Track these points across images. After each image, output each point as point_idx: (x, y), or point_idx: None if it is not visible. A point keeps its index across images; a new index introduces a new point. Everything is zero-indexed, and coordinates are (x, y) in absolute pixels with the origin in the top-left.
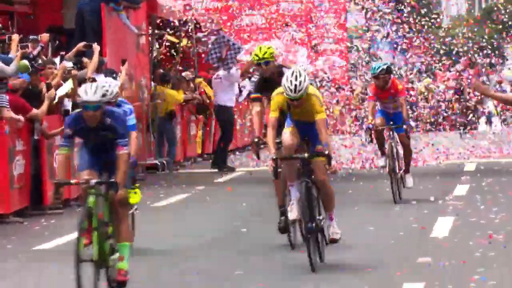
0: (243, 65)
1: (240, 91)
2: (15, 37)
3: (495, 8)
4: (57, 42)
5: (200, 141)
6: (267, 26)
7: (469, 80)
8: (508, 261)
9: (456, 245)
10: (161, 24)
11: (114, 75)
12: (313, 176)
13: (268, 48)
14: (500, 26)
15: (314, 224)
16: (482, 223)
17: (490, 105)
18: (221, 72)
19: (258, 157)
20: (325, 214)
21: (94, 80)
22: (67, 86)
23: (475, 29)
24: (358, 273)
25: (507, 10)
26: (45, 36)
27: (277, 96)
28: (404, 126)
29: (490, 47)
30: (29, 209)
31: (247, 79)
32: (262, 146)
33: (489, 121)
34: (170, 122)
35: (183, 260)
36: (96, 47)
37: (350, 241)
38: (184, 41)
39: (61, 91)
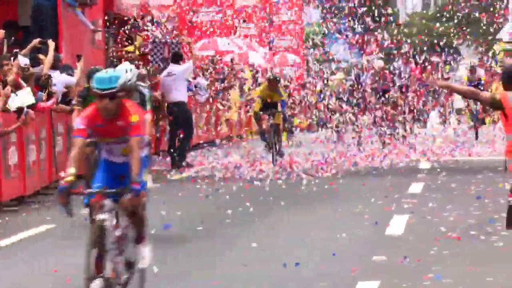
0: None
1: (195, 88)
2: None
3: (450, 6)
4: (13, 38)
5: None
6: (222, 22)
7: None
8: (462, 259)
9: (411, 243)
10: (116, 21)
11: (70, 71)
12: None
13: None
14: (455, 21)
15: None
16: (436, 221)
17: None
18: (174, 68)
19: None
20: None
21: (49, 76)
22: (27, 99)
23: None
24: (313, 271)
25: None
26: (0, 33)
27: None
28: (128, 196)
29: (442, 44)
30: None
31: (200, 76)
32: None
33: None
34: None
35: None
36: (51, 43)
37: (305, 239)
38: (139, 40)
39: (20, 101)
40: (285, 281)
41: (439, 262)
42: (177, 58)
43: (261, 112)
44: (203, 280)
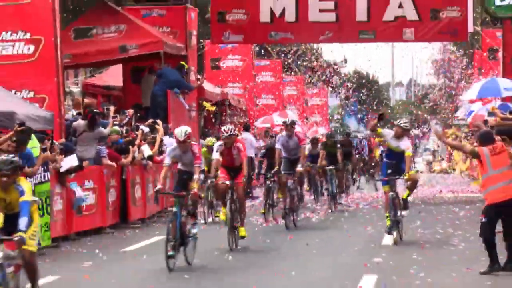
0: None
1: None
2: (112, 108)
3: (424, 95)
4: (138, 114)
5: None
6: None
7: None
8: (433, 261)
9: (398, 250)
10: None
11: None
12: None
13: None
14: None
15: None
16: (417, 237)
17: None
18: (244, 135)
19: None
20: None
21: (162, 140)
22: (146, 152)
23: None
24: (328, 262)
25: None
26: (130, 111)
27: None
28: None
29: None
30: (118, 224)
31: (261, 140)
32: None
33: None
34: None
35: None
36: (159, 122)
37: (329, 243)
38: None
39: (144, 152)
40: (299, 266)
41: (417, 264)
42: (247, 128)
43: None
44: None
